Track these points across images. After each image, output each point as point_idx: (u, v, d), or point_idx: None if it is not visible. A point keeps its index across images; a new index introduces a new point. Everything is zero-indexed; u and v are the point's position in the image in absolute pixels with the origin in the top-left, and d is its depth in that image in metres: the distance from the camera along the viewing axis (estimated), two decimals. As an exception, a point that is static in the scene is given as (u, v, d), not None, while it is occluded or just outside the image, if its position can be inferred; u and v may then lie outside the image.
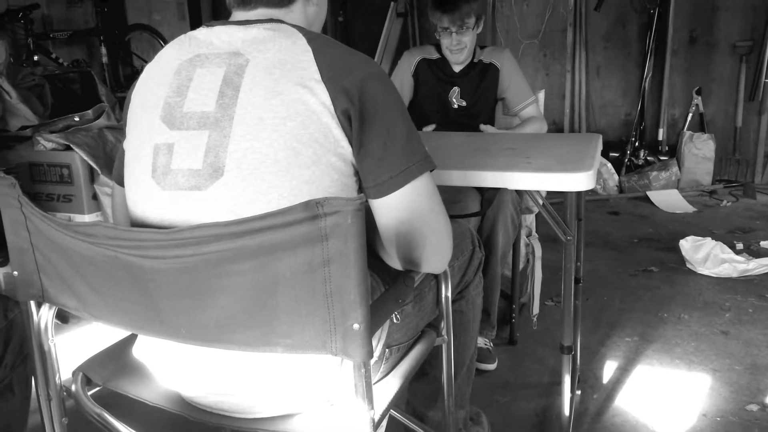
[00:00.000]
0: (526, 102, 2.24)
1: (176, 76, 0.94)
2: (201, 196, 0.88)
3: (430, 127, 2.17)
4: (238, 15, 1.00)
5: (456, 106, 2.26)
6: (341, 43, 0.95)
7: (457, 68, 2.26)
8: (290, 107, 0.87)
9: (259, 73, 0.89)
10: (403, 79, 2.28)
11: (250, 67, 0.89)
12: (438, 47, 2.25)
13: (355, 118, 0.88)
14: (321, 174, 0.88)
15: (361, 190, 0.95)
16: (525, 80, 2.27)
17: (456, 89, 2.25)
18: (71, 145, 2.24)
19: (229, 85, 0.89)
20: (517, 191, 2.02)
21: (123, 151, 1.03)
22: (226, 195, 0.87)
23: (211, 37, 0.95)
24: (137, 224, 0.96)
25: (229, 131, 0.87)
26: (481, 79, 2.24)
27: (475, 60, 2.25)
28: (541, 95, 2.37)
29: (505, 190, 1.90)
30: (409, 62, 2.28)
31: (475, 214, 1.97)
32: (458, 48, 2.16)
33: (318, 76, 0.88)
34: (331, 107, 0.87)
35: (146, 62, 1.02)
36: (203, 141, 0.88)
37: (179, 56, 0.96)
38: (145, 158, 0.93)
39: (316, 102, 0.87)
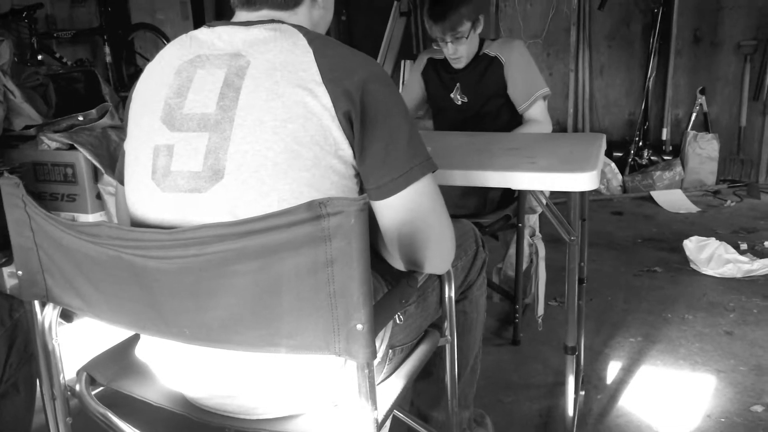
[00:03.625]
0: (529, 102, 2.12)
1: (177, 77, 0.93)
2: (201, 199, 0.88)
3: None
4: (241, 15, 0.99)
5: (459, 102, 2.22)
6: (342, 44, 0.94)
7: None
8: (291, 110, 0.86)
9: (260, 75, 0.88)
10: (415, 79, 2.31)
11: (251, 69, 0.88)
12: None
13: (356, 120, 0.88)
14: (321, 176, 0.87)
15: (361, 191, 0.94)
16: (534, 77, 2.14)
17: (457, 86, 2.21)
18: (75, 145, 2.25)
19: (230, 87, 0.88)
20: (520, 191, 2.01)
21: (124, 151, 1.02)
22: (225, 197, 0.87)
23: (212, 37, 0.94)
24: (137, 225, 0.96)
25: (230, 134, 0.87)
26: (483, 73, 2.16)
27: (480, 53, 2.17)
28: (546, 94, 2.34)
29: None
30: (420, 61, 2.31)
31: (472, 216, 1.96)
32: (455, 57, 2.13)
33: (319, 78, 0.87)
34: (332, 109, 0.86)
35: (150, 61, 1.02)
36: (203, 143, 0.88)
37: (180, 56, 0.95)
38: (145, 159, 0.93)
39: (317, 104, 0.86)
